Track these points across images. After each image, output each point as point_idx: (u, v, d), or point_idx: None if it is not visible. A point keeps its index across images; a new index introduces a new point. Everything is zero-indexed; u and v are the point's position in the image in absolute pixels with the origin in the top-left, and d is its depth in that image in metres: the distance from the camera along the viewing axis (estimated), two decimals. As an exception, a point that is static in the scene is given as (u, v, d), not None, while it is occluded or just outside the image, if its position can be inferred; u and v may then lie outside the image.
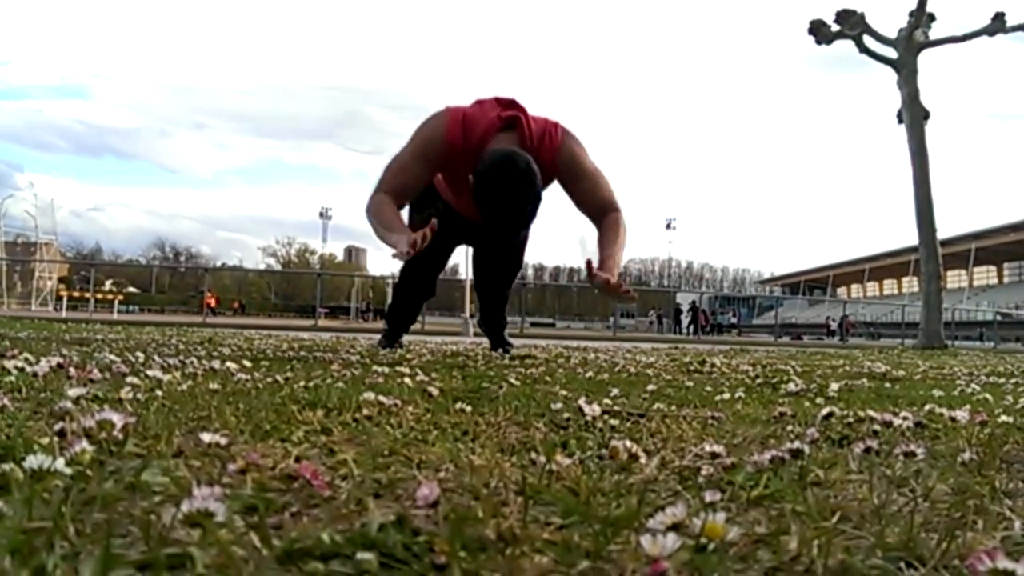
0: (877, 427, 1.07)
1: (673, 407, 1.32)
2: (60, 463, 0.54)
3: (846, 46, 12.96)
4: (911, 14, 12.30)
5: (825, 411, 1.16)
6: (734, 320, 38.38)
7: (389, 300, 3.20)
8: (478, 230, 2.91)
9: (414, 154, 2.67)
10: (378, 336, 3.72)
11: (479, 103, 2.70)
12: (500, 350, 3.43)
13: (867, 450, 0.80)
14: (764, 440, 0.99)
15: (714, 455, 0.79)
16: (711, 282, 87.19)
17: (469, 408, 1.15)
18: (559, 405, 1.21)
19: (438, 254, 3.22)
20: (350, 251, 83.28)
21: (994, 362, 4.72)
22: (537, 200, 2.48)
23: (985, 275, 55.92)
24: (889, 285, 65.30)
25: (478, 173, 2.46)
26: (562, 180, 2.71)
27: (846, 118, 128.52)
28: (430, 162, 2.68)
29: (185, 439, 0.78)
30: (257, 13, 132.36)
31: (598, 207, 2.73)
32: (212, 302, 40.40)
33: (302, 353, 2.82)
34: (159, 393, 1.15)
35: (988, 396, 1.73)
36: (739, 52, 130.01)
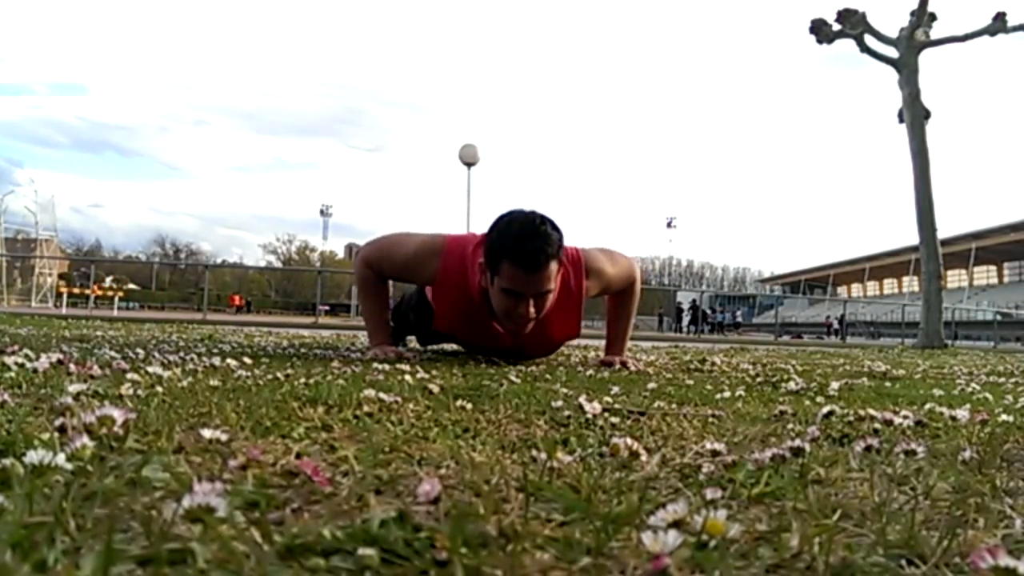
0: (878, 425, 1.07)
1: (674, 405, 1.32)
2: (61, 458, 0.54)
3: (847, 45, 12.96)
4: (912, 13, 12.30)
5: (825, 409, 1.16)
6: (739, 319, 37.42)
7: (393, 311, 3.13)
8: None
9: (407, 268, 2.50)
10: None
11: (480, 243, 2.33)
12: None
13: (868, 448, 0.80)
14: (765, 438, 0.99)
15: (715, 453, 0.79)
16: (711, 281, 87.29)
17: (470, 405, 1.15)
18: (560, 403, 1.21)
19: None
20: (351, 248, 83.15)
21: (994, 361, 4.72)
22: (560, 244, 2.21)
23: (985, 275, 55.94)
24: (889, 284, 65.33)
25: (494, 247, 2.19)
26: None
27: (847, 117, 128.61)
28: (420, 282, 2.58)
29: (186, 435, 0.79)
30: (258, 10, 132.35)
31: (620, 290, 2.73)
32: (236, 301, 40.51)
33: (302, 350, 2.82)
34: (159, 389, 1.15)
35: (988, 395, 1.73)
36: (740, 51, 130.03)
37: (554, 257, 2.17)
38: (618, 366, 2.46)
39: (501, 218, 2.24)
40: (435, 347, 3.03)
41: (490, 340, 2.51)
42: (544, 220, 2.19)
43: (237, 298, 42.52)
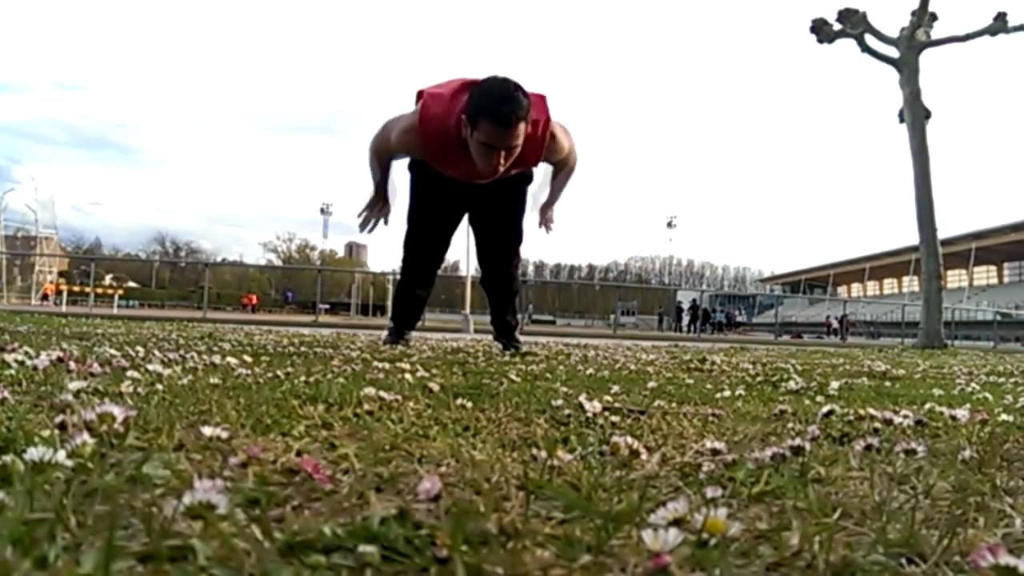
0: (878, 425, 1.07)
1: (674, 404, 1.32)
2: (61, 455, 0.54)
3: (848, 45, 12.96)
4: (913, 13, 12.29)
5: (825, 409, 1.16)
6: (740, 318, 36.75)
7: (392, 301, 3.27)
8: (476, 192, 3.15)
9: (397, 146, 2.97)
10: (379, 332, 3.70)
11: (457, 92, 2.78)
12: (510, 350, 3.39)
13: (868, 447, 0.80)
14: (765, 437, 0.99)
15: (715, 452, 0.79)
16: (712, 280, 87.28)
17: (470, 404, 1.15)
18: (560, 402, 1.21)
19: (441, 225, 3.36)
20: (351, 247, 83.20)
21: (994, 361, 4.72)
22: (528, 107, 2.64)
23: (985, 275, 55.95)
24: (889, 284, 65.35)
25: (474, 107, 2.64)
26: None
27: (847, 117, 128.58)
28: (412, 153, 3.05)
29: (186, 433, 0.79)
30: (259, 8, 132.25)
31: (564, 168, 3.23)
32: (253, 300, 40.20)
33: (303, 349, 2.82)
34: (160, 387, 1.15)
35: (988, 395, 1.73)
36: (741, 51, 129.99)
37: (523, 119, 2.63)
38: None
39: (482, 84, 2.67)
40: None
41: (468, 172, 2.95)
42: (517, 87, 2.63)
43: (255, 297, 42.17)
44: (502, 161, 2.69)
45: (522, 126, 2.64)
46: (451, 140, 2.80)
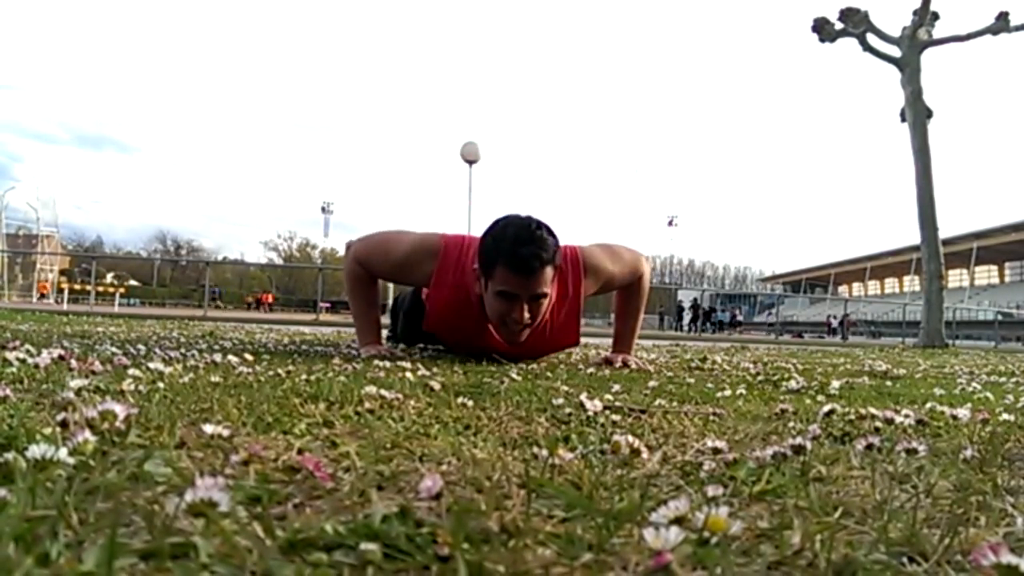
0: (879, 424, 1.07)
1: (675, 403, 1.31)
2: (63, 453, 0.54)
3: (850, 44, 12.95)
4: (915, 12, 12.29)
5: (826, 408, 1.16)
6: (739, 317, 36.69)
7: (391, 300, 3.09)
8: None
9: (401, 268, 2.45)
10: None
11: (471, 244, 2.34)
12: None
13: (869, 447, 0.80)
14: (766, 436, 0.99)
15: (716, 451, 0.79)
16: (713, 280, 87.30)
17: (471, 403, 1.15)
18: (561, 400, 1.21)
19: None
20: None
21: (995, 361, 4.72)
22: (556, 249, 2.18)
23: (986, 274, 55.94)
24: (890, 284, 65.36)
25: (488, 251, 2.16)
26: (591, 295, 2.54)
27: (849, 116, 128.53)
28: (415, 282, 2.55)
29: (188, 430, 0.79)
30: (260, 6, 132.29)
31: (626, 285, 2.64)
32: (269, 299, 40.08)
33: (303, 347, 2.82)
34: (161, 385, 1.15)
35: (989, 395, 1.73)
36: (742, 50, 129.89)
37: (549, 262, 2.14)
38: (619, 364, 2.45)
39: (496, 223, 2.20)
40: (428, 346, 3.01)
41: (483, 344, 2.44)
42: (540, 225, 2.16)
43: (270, 296, 42.08)
44: (526, 316, 2.17)
45: (549, 271, 2.14)
46: (467, 298, 2.30)
